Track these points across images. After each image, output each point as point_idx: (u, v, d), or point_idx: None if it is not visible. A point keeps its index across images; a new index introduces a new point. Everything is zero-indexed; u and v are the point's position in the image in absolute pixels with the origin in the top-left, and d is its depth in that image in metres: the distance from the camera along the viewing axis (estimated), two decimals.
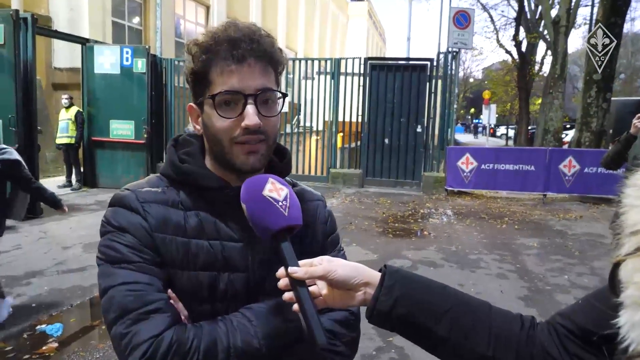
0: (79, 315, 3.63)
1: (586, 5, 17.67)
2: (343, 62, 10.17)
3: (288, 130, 10.63)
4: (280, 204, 0.77)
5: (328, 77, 10.17)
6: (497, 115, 25.20)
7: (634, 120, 3.51)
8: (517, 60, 23.29)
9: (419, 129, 9.86)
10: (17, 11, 6.40)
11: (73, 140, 8.44)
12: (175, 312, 0.80)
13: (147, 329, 0.75)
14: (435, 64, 9.85)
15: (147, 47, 9.09)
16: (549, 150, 9.11)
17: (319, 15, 29.22)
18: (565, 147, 13.49)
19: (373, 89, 9.93)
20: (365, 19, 37.63)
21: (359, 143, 10.48)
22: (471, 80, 49.45)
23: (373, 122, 10.02)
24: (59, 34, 9.15)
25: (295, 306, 0.73)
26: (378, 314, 0.74)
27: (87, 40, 9.12)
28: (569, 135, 17.39)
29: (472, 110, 60.44)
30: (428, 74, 9.74)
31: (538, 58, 24.65)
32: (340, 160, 11.02)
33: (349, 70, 10.11)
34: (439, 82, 9.78)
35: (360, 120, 10.09)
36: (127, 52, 8.80)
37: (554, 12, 14.51)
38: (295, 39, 25.57)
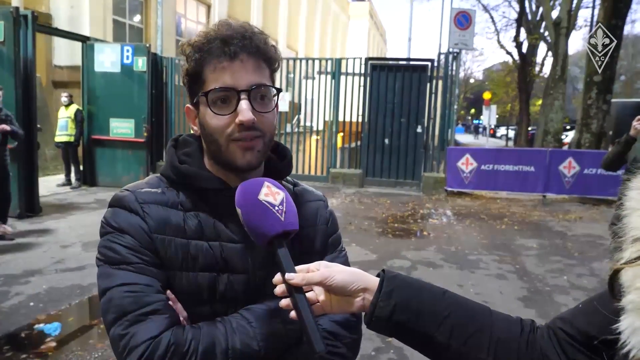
0: (78, 314, 3.61)
1: (587, 7, 17.71)
2: (344, 62, 10.16)
3: (288, 130, 10.63)
4: (276, 208, 0.76)
5: (329, 77, 10.16)
6: (497, 116, 25.21)
7: (634, 122, 3.52)
8: (518, 61, 23.28)
9: (419, 130, 9.85)
10: (17, 8, 6.39)
11: (72, 139, 8.42)
12: (174, 313, 0.79)
13: (145, 330, 0.75)
14: (436, 64, 9.84)
15: (147, 45, 9.06)
16: (549, 151, 9.11)
17: (320, 15, 29.22)
18: (565, 148, 13.49)
19: (373, 89, 9.92)
20: (367, 19, 37.66)
21: (359, 143, 10.48)
22: (472, 81, 49.44)
23: (373, 122, 10.01)
24: (60, 32, 9.14)
25: (293, 313, 0.72)
26: (377, 320, 0.73)
27: (88, 38, 9.09)
28: (569, 137, 17.42)
29: (473, 110, 60.43)
30: (429, 74, 9.73)
31: (539, 59, 24.67)
32: (340, 160, 11.01)
33: (350, 70, 10.10)
34: (440, 82, 9.77)
35: (360, 120, 10.08)
36: (127, 51, 8.77)
37: (554, 14, 14.53)
38: (296, 38, 25.57)
